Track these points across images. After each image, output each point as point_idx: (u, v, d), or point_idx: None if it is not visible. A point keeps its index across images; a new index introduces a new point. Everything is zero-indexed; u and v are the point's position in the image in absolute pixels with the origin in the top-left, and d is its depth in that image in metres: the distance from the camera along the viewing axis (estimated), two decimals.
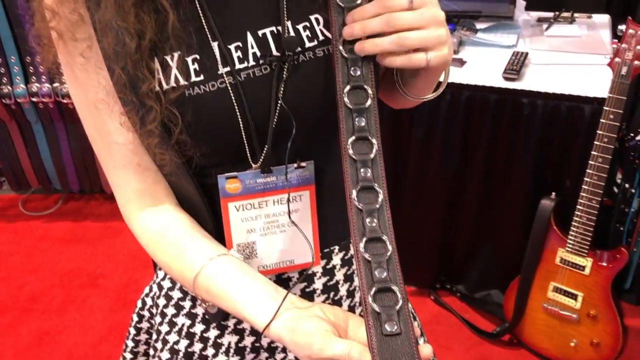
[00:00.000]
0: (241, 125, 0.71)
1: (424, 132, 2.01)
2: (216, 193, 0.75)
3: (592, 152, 1.72)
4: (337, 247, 0.85)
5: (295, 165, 0.75)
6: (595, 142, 1.71)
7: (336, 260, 0.85)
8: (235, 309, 0.69)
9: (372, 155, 0.66)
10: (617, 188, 2.13)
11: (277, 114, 0.71)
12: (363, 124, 0.66)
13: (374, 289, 0.61)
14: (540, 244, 1.91)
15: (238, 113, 0.71)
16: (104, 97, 0.70)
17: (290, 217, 0.75)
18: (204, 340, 0.86)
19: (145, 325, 0.96)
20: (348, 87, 0.68)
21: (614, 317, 1.86)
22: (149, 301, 0.94)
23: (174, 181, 0.77)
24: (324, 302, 0.86)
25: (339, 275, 0.86)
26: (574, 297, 1.90)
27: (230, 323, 0.84)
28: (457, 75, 1.93)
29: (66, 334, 2.22)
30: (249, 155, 0.73)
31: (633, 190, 2.05)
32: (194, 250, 0.74)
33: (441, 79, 0.77)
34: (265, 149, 0.73)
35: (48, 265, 2.54)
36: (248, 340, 0.85)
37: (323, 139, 0.76)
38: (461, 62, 2.01)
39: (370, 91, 0.68)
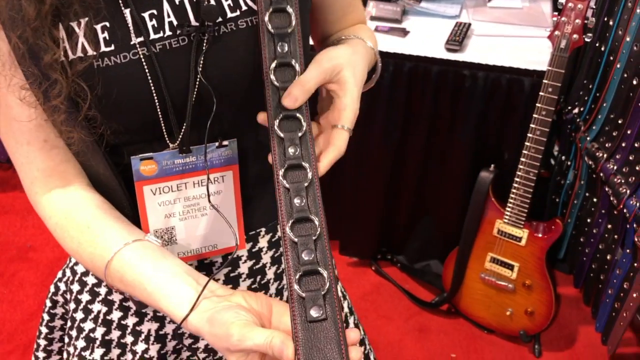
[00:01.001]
0: (156, 100, 0.65)
1: (365, 104, 1.97)
2: (132, 174, 0.69)
3: (531, 125, 1.73)
4: (263, 230, 0.81)
5: (217, 144, 0.70)
6: (534, 115, 1.71)
7: (263, 242, 0.81)
8: (152, 299, 0.64)
9: (300, 134, 0.63)
10: (553, 160, 2.17)
11: (196, 89, 0.66)
12: None
13: (299, 273, 0.58)
14: (478, 216, 1.93)
15: (153, 87, 0.65)
16: (0, 68, 0.63)
17: (209, 201, 0.70)
18: (122, 327, 0.82)
19: (59, 311, 0.91)
20: (275, 64, 0.64)
21: (547, 287, 1.90)
22: (62, 286, 0.89)
23: (85, 161, 0.71)
24: (249, 286, 0.82)
25: (266, 258, 0.82)
26: (510, 267, 1.93)
27: (150, 310, 0.80)
28: (400, 46, 1.90)
29: None
30: (165, 134, 0.68)
31: (569, 163, 2.08)
32: (105, 235, 0.68)
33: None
34: (184, 127, 0.68)
35: None
36: (169, 328, 0.81)
37: (247, 117, 0.71)
38: (404, 32, 1.97)
39: (298, 68, 0.64)
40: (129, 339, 0.82)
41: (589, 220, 1.98)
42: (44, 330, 0.93)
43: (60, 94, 0.62)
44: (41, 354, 0.95)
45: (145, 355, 0.81)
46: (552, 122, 1.72)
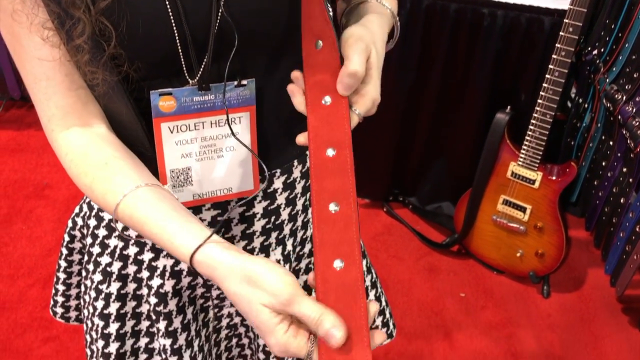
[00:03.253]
0: (176, 34, 0.64)
1: None
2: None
3: (550, 66, 1.69)
4: (279, 171, 0.81)
5: (236, 83, 0.69)
6: (553, 56, 1.68)
7: (277, 184, 0.81)
8: (162, 237, 0.64)
9: None
10: (570, 103, 2.13)
11: (217, 24, 0.64)
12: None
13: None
14: (492, 158, 1.92)
15: (173, 21, 0.63)
16: (20, 7, 0.61)
17: (232, 133, 0.69)
18: (138, 262, 0.83)
19: (77, 245, 0.92)
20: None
21: (559, 229, 1.91)
22: (79, 221, 0.90)
23: (107, 103, 0.70)
24: (264, 226, 0.83)
25: (281, 199, 0.83)
26: (522, 209, 1.93)
27: None
28: None
29: (13, 245, 2.18)
30: (185, 69, 0.67)
31: (586, 105, 2.05)
32: (121, 174, 0.67)
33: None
34: (204, 62, 0.66)
35: None
36: (184, 264, 0.82)
37: (268, 56, 0.70)
38: None
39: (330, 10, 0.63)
40: (144, 274, 0.83)
41: (604, 163, 1.96)
42: (63, 264, 0.95)
43: (83, 32, 0.61)
44: (61, 287, 0.98)
45: (161, 290, 0.83)
46: (571, 64, 1.69)
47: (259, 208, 0.81)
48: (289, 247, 0.88)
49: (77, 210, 0.91)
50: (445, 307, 2.02)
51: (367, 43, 0.64)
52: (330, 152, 0.62)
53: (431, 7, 1.85)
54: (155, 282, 0.83)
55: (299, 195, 0.85)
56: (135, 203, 0.65)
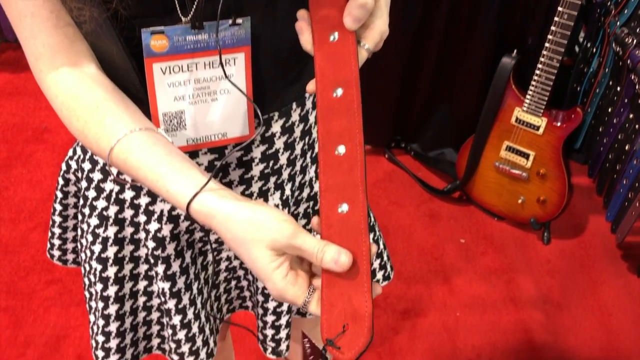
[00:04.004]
0: None
1: None
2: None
3: (559, 8, 1.64)
4: (276, 114, 0.78)
5: (230, 21, 0.65)
6: None
7: (276, 127, 0.79)
8: (157, 184, 0.62)
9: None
10: (578, 47, 2.08)
11: None
12: None
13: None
14: (497, 103, 1.89)
15: None
16: None
17: (227, 77, 0.66)
18: (134, 207, 0.82)
19: (72, 188, 0.91)
20: None
21: (562, 176, 1.89)
22: (73, 164, 0.88)
23: (96, 41, 0.67)
24: (262, 171, 0.81)
25: (279, 144, 0.81)
26: (526, 156, 1.91)
27: None
28: None
29: (14, 189, 2.17)
30: (178, 7, 0.64)
31: (594, 50, 2.00)
32: (114, 117, 0.65)
33: None
34: (197, 2, 0.63)
35: None
36: None
37: None
38: None
39: None
40: (141, 218, 0.82)
41: (610, 109, 1.93)
42: (58, 207, 0.94)
43: None
44: (57, 230, 0.97)
45: (158, 235, 0.82)
46: (580, 6, 1.63)
47: (257, 152, 0.79)
48: (288, 192, 0.86)
49: (70, 153, 0.89)
50: (445, 252, 2.03)
51: None
52: (338, 92, 0.60)
53: None
54: (153, 226, 0.82)
55: (297, 139, 0.83)
56: (130, 148, 0.64)
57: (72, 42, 0.66)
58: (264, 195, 0.84)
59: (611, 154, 1.95)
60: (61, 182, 0.91)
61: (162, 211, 0.81)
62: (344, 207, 0.58)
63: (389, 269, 1.05)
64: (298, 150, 0.84)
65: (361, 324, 0.55)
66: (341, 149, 0.59)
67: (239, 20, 0.66)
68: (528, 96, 1.82)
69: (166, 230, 0.82)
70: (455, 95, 2.11)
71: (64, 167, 0.90)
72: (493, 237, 2.09)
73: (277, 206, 0.85)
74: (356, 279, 0.56)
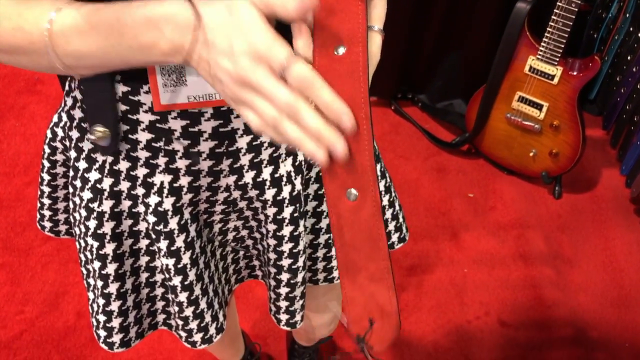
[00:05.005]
0: None
1: None
2: None
3: None
4: None
5: None
6: None
7: None
8: (131, 9, 0.50)
9: None
10: None
11: None
12: None
13: None
14: (510, 51, 1.79)
15: None
16: None
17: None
18: (131, 178, 0.74)
19: (60, 157, 0.83)
20: None
21: (576, 128, 1.82)
22: (59, 132, 0.80)
23: None
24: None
25: None
26: (539, 107, 1.83)
27: (161, 162, 0.72)
28: None
29: (7, 143, 2.10)
30: None
31: None
32: None
33: None
34: None
35: None
36: (184, 180, 0.74)
37: None
38: None
39: None
40: (140, 190, 0.75)
41: (629, 57, 1.84)
42: (46, 177, 0.86)
43: None
44: (46, 200, 0.90)
45: (159, 209, 0.75)
46: None
47: None
48: (301, 157, 0.79)
49: (55, 119, 0.81)
50: (452, 207, 1.97)
51: None
52: (340, 51, 0.50)
53: None
54: (153, 199, 0.74)
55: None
56: (73, 8, 0.53)
57: None
58: (274, 162, 0.76)
59: (629, 105, 1.87)
60: (47, 150, 0.83)
61: (162, 183, 0.74)
62: (354, 193, 0.50)
63: (404, 230, 0.99)
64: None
65: (389, 321, 0.50)
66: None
67: None
68: (543, 44, 1.72)
69: (167, 203, 0.75)
70: (465, 43, 2.02)
71: (49, 134, 0.82)
72: (502, 190, 2.02)
73: (289, 173, 0.78)
74: (377, 273, 0.50)
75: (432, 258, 1.83)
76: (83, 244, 0.82)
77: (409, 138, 2.18)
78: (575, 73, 1.74)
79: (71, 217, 0.85)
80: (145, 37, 0.51)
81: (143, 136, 0.69)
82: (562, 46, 1.70)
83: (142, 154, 0.71)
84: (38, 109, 2.22)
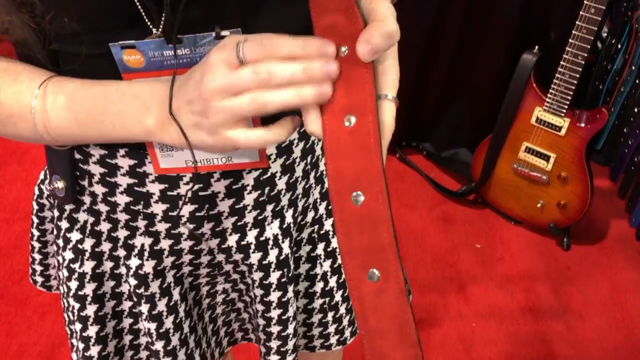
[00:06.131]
0: None
1: None
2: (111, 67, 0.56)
3: (585, 2, 1.54)
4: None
5: (214, 34, 0.53)
6: None
7: (271, 149, 0.69)
8: (106, 94, 0.54)
9: None
10: (600, 43, 1.98)
11: None
12: None
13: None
14: (516, 102, 1.79)
15: None
16: None
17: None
18: (112, 239, 0.72)
19: (48, 214, 0.81)
20: None
21: (584, 180, 1.80)
22: (45, 189, 0.78)
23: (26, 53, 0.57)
24: (256, 199, 0.71)
25: (275, 167, 0.70)
26: (546, 158, 1.81)
27: (141, 225, 0.70)
28: None
29: (8, 187, 2.08)
30: (145, 16, 0.53)
31: (619, 46, 1.90)
32: (29, 70, 0.56)
33: None
34: (164, 7, 0.52)
35: None
36: (165, 243, 0.71)
37: (252, 1, 0.56)
38: None
39: None
40: (121, 252, 0.73)
41: (636, 109, 1.83)
42: (36, 232, 0.84)
43: None
44: (37, 255, 0.87)
45: (140, 272, 0.73)
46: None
47: (249, 179, 0.68)
48: (289, 219, 0.76)
49: (41, 176, 0.79)
50: (460, 258, 1.93)
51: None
52: (351, 120, 0.47)
53: None
54: (133, 262, 0.72)
55: (297, 160, 0.73)
56: (59, 86, 0.55)
57: None
58: (259, 225, 0.73)
59: (637, 156, 1.86)
60: (36, 207, 0.81)
61: (142, 245, 0.71)
62: (375, 274, 0.47)
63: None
64: (299, 172, 0.74)
65: None
66: (359, 198, 0.47)
67: (225, 33, 0.54)
68: (550, 95, 1.72)
69: (148, 266, 0.72)
70: (471, 92, 2.01)
71: (36, 191, 0.80)
72: (510, 242, 1.99)
73: (275, 236, 0.75)
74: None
75: (440, 311, 1.79)
76: (66, 304, 0.79)
77: (414, 186, 2.15)
78: (582, 125, 1.73)
79: (57, 275, 0.84)
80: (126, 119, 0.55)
81: (122, 199, 0.68)
82: (569, 98, 1.69)
83: (122, 216, 0.70)
84: (40, 153, 2.20)
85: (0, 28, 0.53)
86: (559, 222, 1.91)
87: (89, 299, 0.75)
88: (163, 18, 0.53)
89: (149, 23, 0.54)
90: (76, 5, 0.52)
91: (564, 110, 1.72)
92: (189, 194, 0.67)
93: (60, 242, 0.75)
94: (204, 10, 0.53)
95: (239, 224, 0.72)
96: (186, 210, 0.68)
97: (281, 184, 0.72)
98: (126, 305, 0.78)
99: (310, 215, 0.81)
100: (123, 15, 0.53)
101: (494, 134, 1.88)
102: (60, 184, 0.68)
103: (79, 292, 0.75)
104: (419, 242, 1.97)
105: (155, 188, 0.66)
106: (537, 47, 1.73)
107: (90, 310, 0.76)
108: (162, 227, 0.70)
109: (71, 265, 0.74)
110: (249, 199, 0.70)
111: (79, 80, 0.56)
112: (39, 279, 0.91)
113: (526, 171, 1.86)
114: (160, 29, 0.54)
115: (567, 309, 1.81)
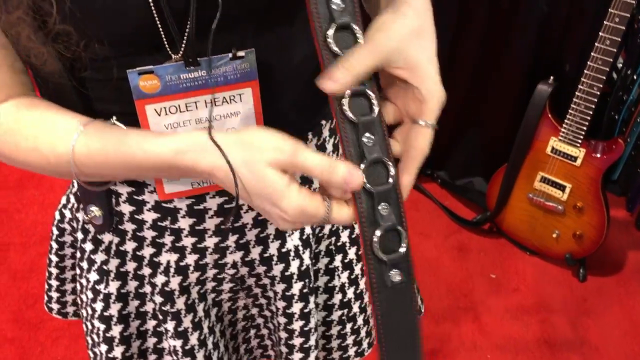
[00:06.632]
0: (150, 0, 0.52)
1: None
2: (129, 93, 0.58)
3: (601, 33, 1.54)
4: None
5: (230, 55, 0.56)
6: (605, 22, 1.52)
7: None
8: (130, 149, 0.55)
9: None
10: (616, 74, 1.97)
11: None
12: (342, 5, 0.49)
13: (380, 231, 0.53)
14: (532, 132, 1.78)
15: None
16: None
17: (210, 134, 0.53)
18: (137, 259, 0.73)
19: (68, 239, 0.83)
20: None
21: (600, 210, 1.78)
22: (67, 213, 0.80)
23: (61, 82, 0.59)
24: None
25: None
26: (561, 188, 1.80)
27: (167, 241, 0.71)
28: None
29: (25, 212, 2.11)
30: (166, 42, 0.55)
31: (635, 77, 1.89)
32: (65, 119, 0.58)
33: None
34: (186, 33, 0.54)
35: None
36: (190, 259, 0.73)
37: (266, 21, 0.58)
38: None
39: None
40: (146, 270, 0.74)
41: None
42: (54, 258, 0.86)
43: (20, 3, 0.50)
44: (54, 282, 0.89)
45: (166, 289, 0.74)
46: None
47: None
48: (308, 230, 0.78)
49: (63, 201, 0.81)
50: (474, 288, 1.91)
51: (395, 38, 0.53)
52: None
53: None
54: (159, 279, 0.74)
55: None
56: (94, 134, 0.57)
57: (16, 74, 0.60)
58: (281, 236, 0.75)
59: None
60: (56, 232, 0.83)
61: (168, 262, 0.73)
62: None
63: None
64: (317, 183, 0.75)
65: None
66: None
67: (241, 53, 0.57)
68: (565, 125, 1.71)
69: (174, 283, 0.74)
70: (486, 121, 2.01)
71: (57, 216, 0.82)
72: (525, 272, 1.97)
73: (296, 247, 0.77)
74: None
75: (454, 342, 1.76)
76: (90, 327, 0.81)
77: (428, 215, 2.15)
78: (598, 155, 1.72)
79: (78, 298, 0.85)
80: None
81: (149, 216, 0.69)
82: (585, 128, 1.68)
83: (149, 234, 0.71)
84: (57, 178, 2.23)
85: (40, 60, 0.55)
86: (575, 253, 1.89)
87: (115, 319, 0.76)
88: (184, 44, 0.55)
89: (169, 50, 0.56)
90: (107, 29, 0.54)
91: (580, 141, 1.71)
92: (215, 207, 0.69)
93: (85, 264, 0.76)
94: (221, 33, 0.55)
95: (261, 235, 0.74)
96: (212, 223, 0.70)
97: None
98: (150, 324, 0.79)
99: (328, 227, 0.82)
100: (145, 44, 0.56)
101: (509, 163, 1.87)
102: (98, 213, 0.70)
103: (104, 313, 0.76)
104: (433, 271, 1.96)
105: (182, 203, 0.68)
106: (552, 77, 1.74)
107: (116, 330, 0.77)
108: (188, 241, 0.71)
109: (96, 286, 0.76)
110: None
111: (106, 134, 0.58)
112: (55, 307, 0.92)
113: (542, 201, 1.85)
114: (180, 55, 0.56)
115: (584, 341, 1.78)
